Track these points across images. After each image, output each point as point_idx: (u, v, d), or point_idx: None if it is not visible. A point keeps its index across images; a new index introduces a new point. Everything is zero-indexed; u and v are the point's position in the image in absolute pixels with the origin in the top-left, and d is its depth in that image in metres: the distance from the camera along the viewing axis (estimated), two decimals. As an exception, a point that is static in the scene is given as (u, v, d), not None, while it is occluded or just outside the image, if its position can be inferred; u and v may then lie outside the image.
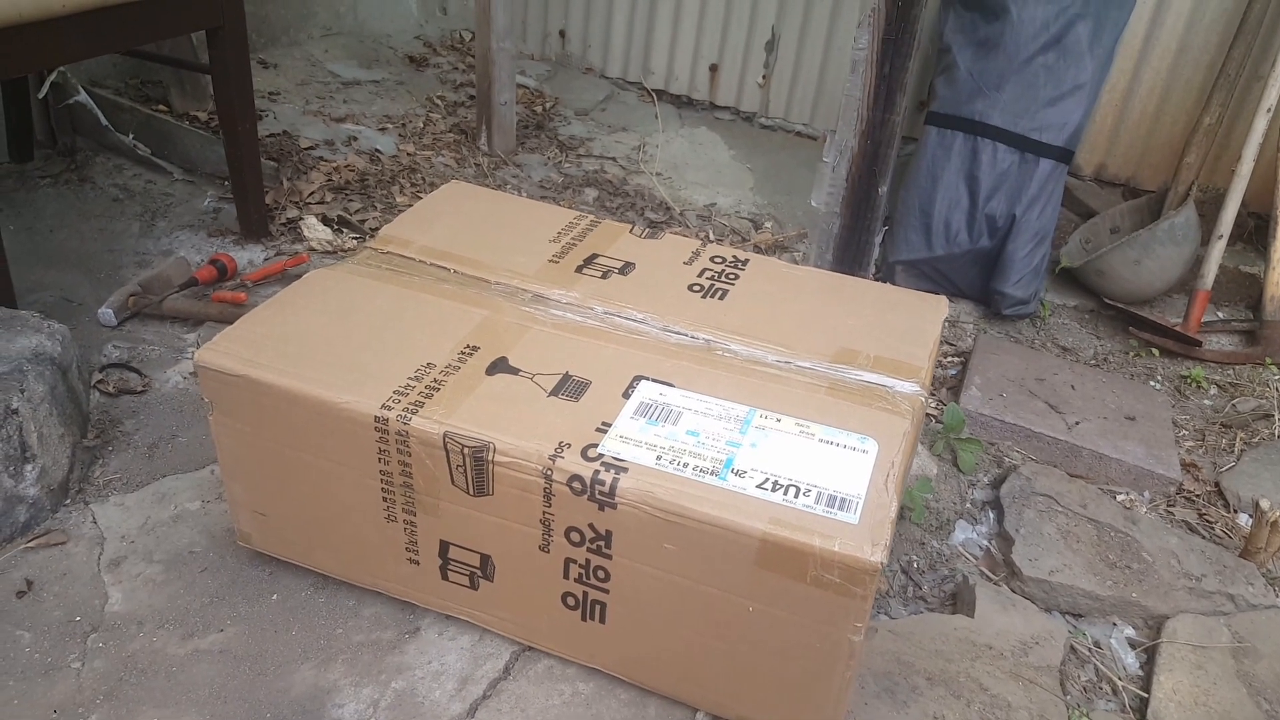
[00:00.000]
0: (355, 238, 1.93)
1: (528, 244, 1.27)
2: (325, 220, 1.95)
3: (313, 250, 1.88)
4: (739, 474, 0.93)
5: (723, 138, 2.84)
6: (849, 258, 1.37)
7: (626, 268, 1.24)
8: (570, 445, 0.95)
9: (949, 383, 1.85)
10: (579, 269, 1.23)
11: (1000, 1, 2.04)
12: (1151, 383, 1.98)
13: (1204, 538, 1.49)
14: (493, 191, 1.50)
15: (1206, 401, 1.93)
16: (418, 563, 1.08)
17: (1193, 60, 2.25)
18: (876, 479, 0.93)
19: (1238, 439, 1.77)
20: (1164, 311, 2.21)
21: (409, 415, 0.97)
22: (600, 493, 0.92)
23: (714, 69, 2.91)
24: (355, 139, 2.35)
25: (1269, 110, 2.00)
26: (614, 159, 2.67)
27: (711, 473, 0.93)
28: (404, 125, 2.50)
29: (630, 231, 1.33)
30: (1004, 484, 1.49)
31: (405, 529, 1.05)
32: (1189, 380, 1.97)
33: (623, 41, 3.03)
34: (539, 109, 2.89)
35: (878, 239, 1.35)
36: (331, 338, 1.07)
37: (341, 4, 2.96)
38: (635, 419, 0.99)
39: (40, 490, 1.24)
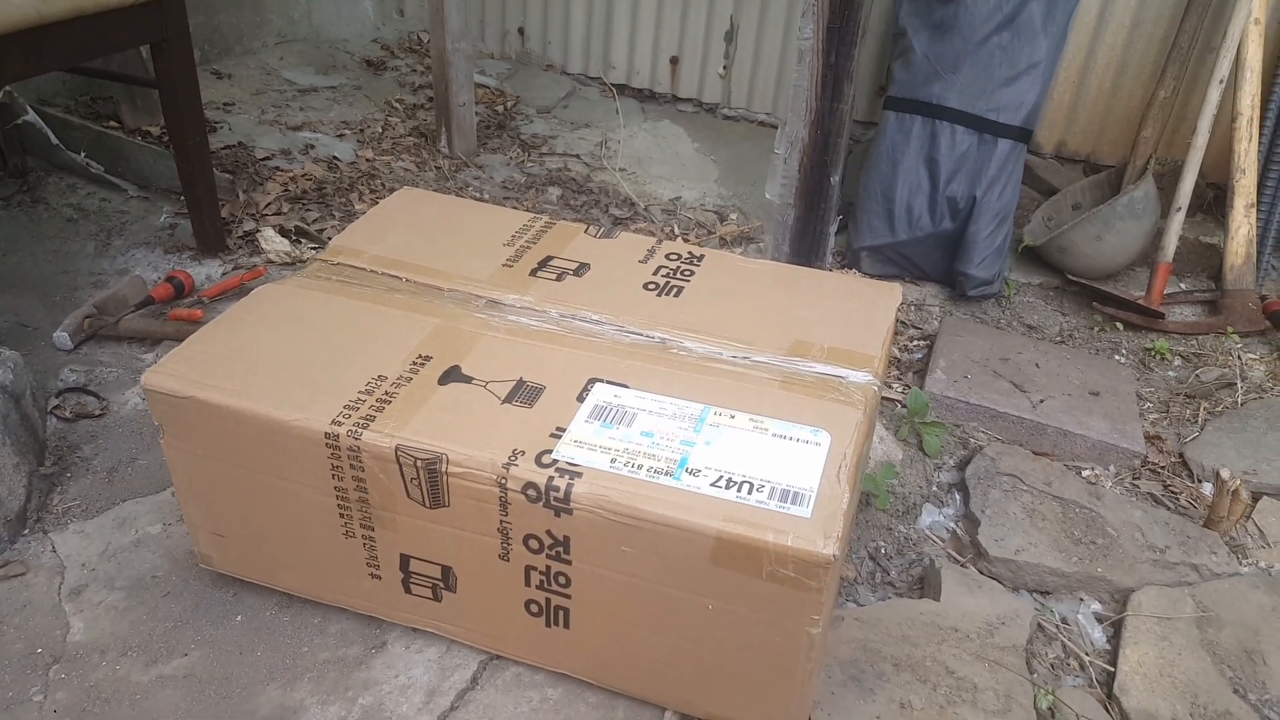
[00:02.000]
0: (314, 248, 1.91)
1: (481, 248, 1.26)
2: (283, 231, 1.93)
3: (270, 263, 1.87)
4: (693, 473, 0.93)
5: (686, 130, 2.84)
6: (805, 248, 1.37)
7: (582, 269, 1.23)
8: (524, 452, 0.94)
9: (915, 366, 1.86)
10: (533, 272, 1.22)
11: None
12: (1116, 357, 2.00)
13: (1169, 509, 1.50)
14: (446, 197, 1.49)
15: (1171, 373, 1.94)
16: (379, 577, 1.07)
17: (1146, 34, 2.26)
18: (829, 471, 0.93)
19: (1201, 409, 1.79)
20: (1127, 285, 2.23)
21: (360, 430, 0.96)
22: (555, 499, 0.92)
23: (674, 61, 2.90)
24: (313, 147, 2.33)
25: (1221, 81, 2.02)
26: (577, 156, 2.65)
27: (666, 473, 0.93)
28: (362, 131, 2.48)
29: (585, 232, 1.32)
30: (969, 465, 1.50)
31: (364, 544, 1.05)
32: (1153, 352, 1.99)
33: (582, 37, 3.02)
34: (500, 108, 2.87)
35: (833, 228, 1.35)
36: (281, 354, 1.05)
37: (295, 10, 2.92)
38: (590, 422, 0.99)
39: (-4, 521, 1.22)
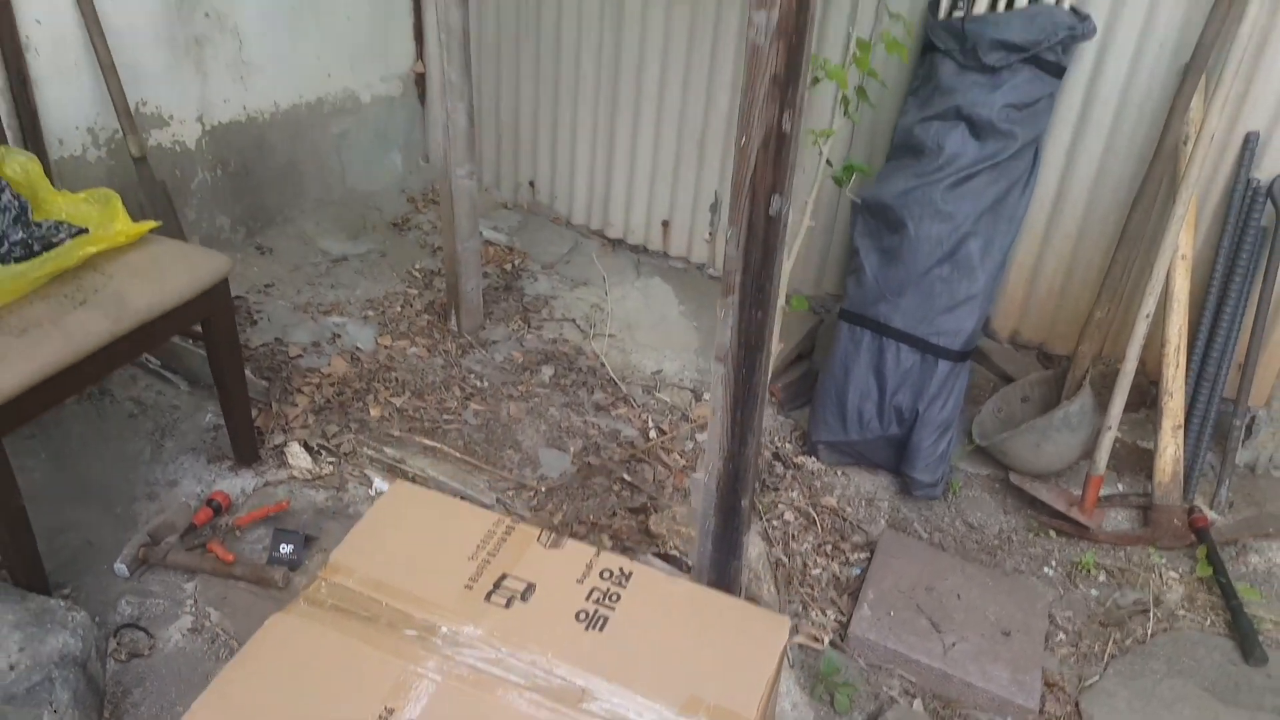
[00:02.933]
0: (331, 461, 2.22)
1: (450, 564, 1.54)
2: (306, 447, 2.24)
3: (294, 479, 2.18)
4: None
5: (675, 290, 3.09)
6: (723, 552, 1.63)
7: (528, 591, 1.50)
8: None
9: (851, 587, 2.09)
10: (488, 595, 1.50)
11: (899, 217, 2.26)
12: (1046, 568, 2.21)
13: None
14: (430, 495, 1.78)
15: (1094, 591, 2.15)
16: None
17: (1090, 245, 2.45)
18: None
19: (1111, 641, 1.99)
20: (1070, 482, 2.42)
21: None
22: None
23: (665, 225, 3.15)
24: (339, 336, 2.64)
25: (1147, 316, 2.20)
26: (573, 320, 2.93)
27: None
28: (384, 311, 2.79)
29: (538, 539, 1.59)
30: None
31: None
32: (1080, 567, 2.19)
33: (585, 194, 3.28)
34: (509, 266, 3.16)
35: (745, 538, 1.61)
36: (282, 708, 1.34)
37: (331, 176, 3.24)
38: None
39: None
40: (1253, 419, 2.41)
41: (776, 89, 1.24)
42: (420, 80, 3.44)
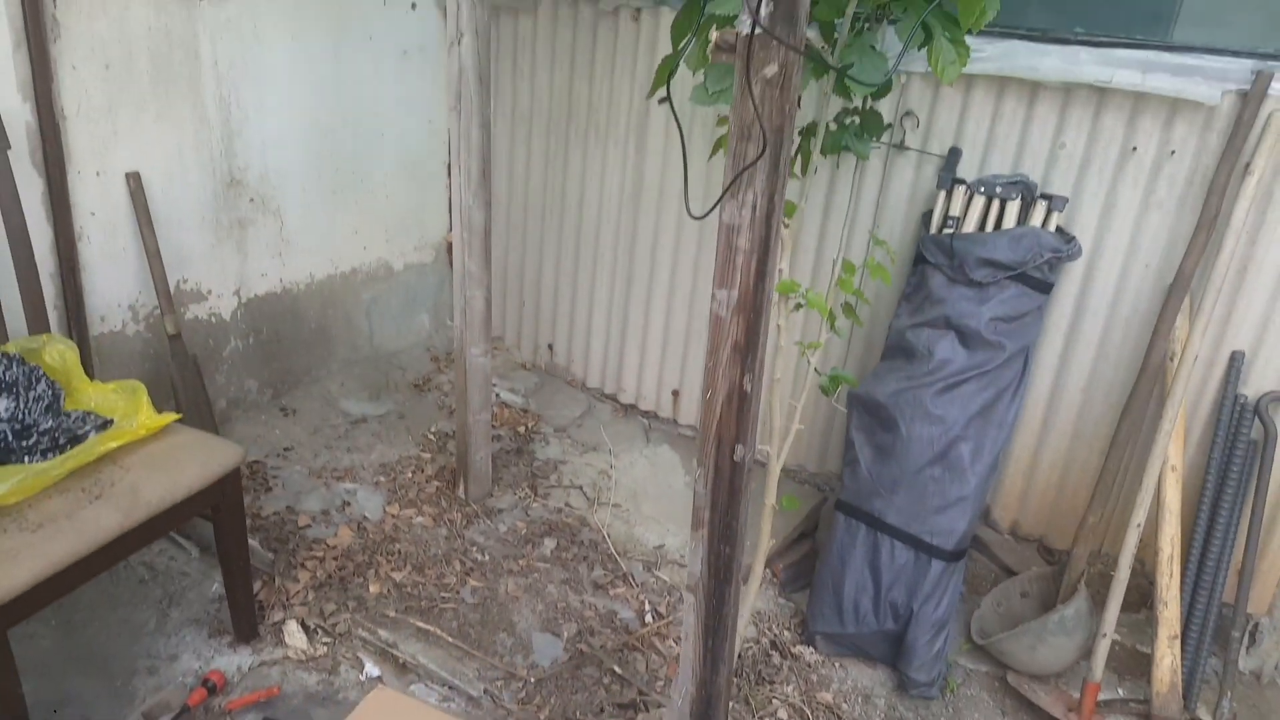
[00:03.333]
0: (326, 643, 2.27)
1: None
2: (304, 626, 2.29)
3: (289, 659, 2.22)
4: None
5: (682, 458, 3.15)
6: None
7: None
8: None
9: (837, 799, 2.05)
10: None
11: (892, 416, 2.32)
12: (1039, 782, 2.15)
13: None
14: (407, 702, 1.82)
15: (1087, 810, 2.08)
16: None
17: (1085, 445, 2.47)
18: None
19: None
20: (1072, 681, 2.37)
21: None
22: None
23: (676, 394, 3.24)
24: (348, 504, 2.73)
25: (1138, 526, 2.21)
26: (580, 487, 2.99)
27: None
28: (395, 478, 2.88)
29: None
30: None
31: None
32: (1074, 782, 2.13)
33: (600, 360, 3.40)
34: (522, 429, 3.25)
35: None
36: None
37: (359, 337, 3.40)
38: None
39: None
40: (1255, 626, 2.36)
41: (737, 355, 1.33)
42: (452, 248, 3.64)
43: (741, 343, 1.32)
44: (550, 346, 3.55)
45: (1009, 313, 2.23)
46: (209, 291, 2.77)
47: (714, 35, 1.18)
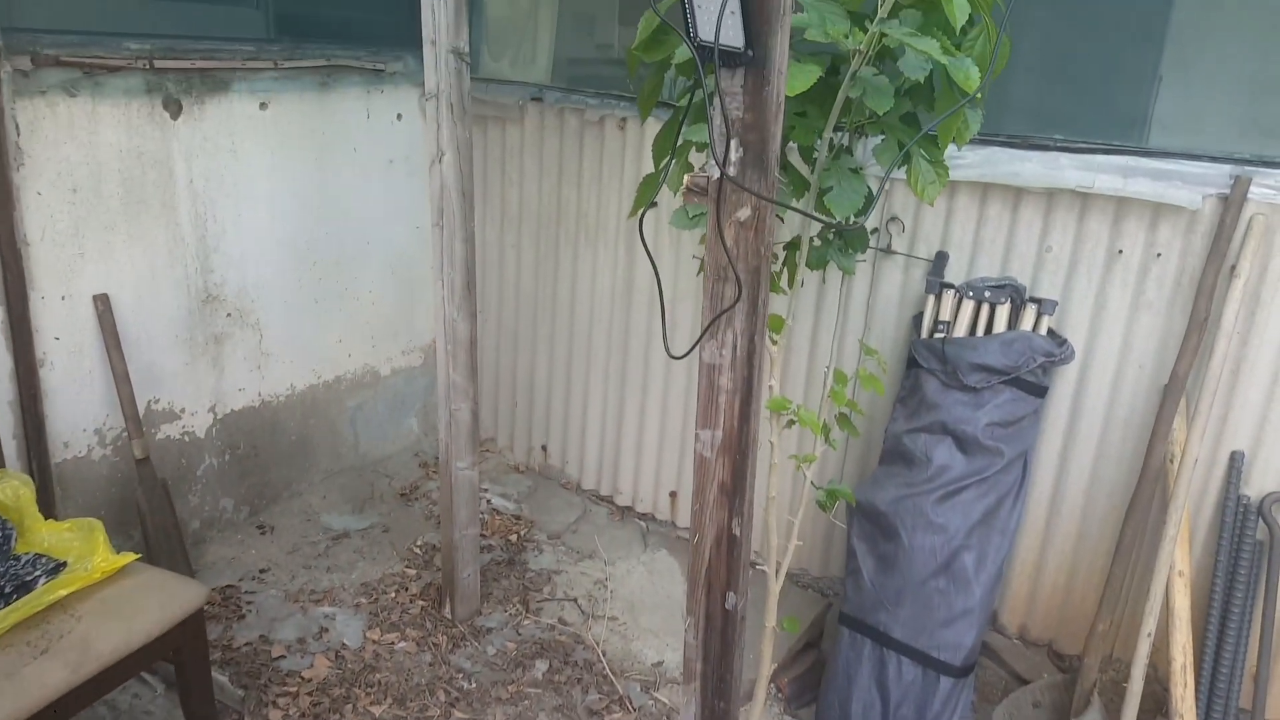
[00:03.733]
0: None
1: None
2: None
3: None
4: None
5: (680, 564, 3.04)
6: None
7: None
8: None
9: None
10: None
11: (893, 525, 2.24)
12: None
13: None
14: None
15: None
16: None
17: (1091, 548, 2.39)
18: None
19: None
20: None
21: None
22: None
23: (673, 495, 3.15)
24: (326, 630, 2.61)
25: (1149, 635, 2.11)
26: (575, 600, 2.87)
27: None
28: (376, 599, 2.76)
29: None
30: None
31: None
32: None
33: (595, 460, 3.32)
34: (514, 537, 3.15)
35: None
36: None
37: (343, 445, 3.32)
38: None
39: None
40: (1283, 738, 2.24)
41: (725, 497, 1.26)
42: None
43: (728, 484, 1.26)
44: (544, 448, 3.48)
45: (1005, 417, 2.17)
46: (182, 410, 2.70)
47: (686, 179, 1.15)
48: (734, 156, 1.08)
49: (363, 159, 3.06)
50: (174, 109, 2.49)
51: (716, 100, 1.07)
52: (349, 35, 2.98)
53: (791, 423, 1.82)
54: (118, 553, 1.88)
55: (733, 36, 1.00)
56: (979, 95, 1.47)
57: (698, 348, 1.21)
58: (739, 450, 1.23)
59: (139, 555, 1.92)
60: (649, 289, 2.97)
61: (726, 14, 0.96)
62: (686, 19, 1.02)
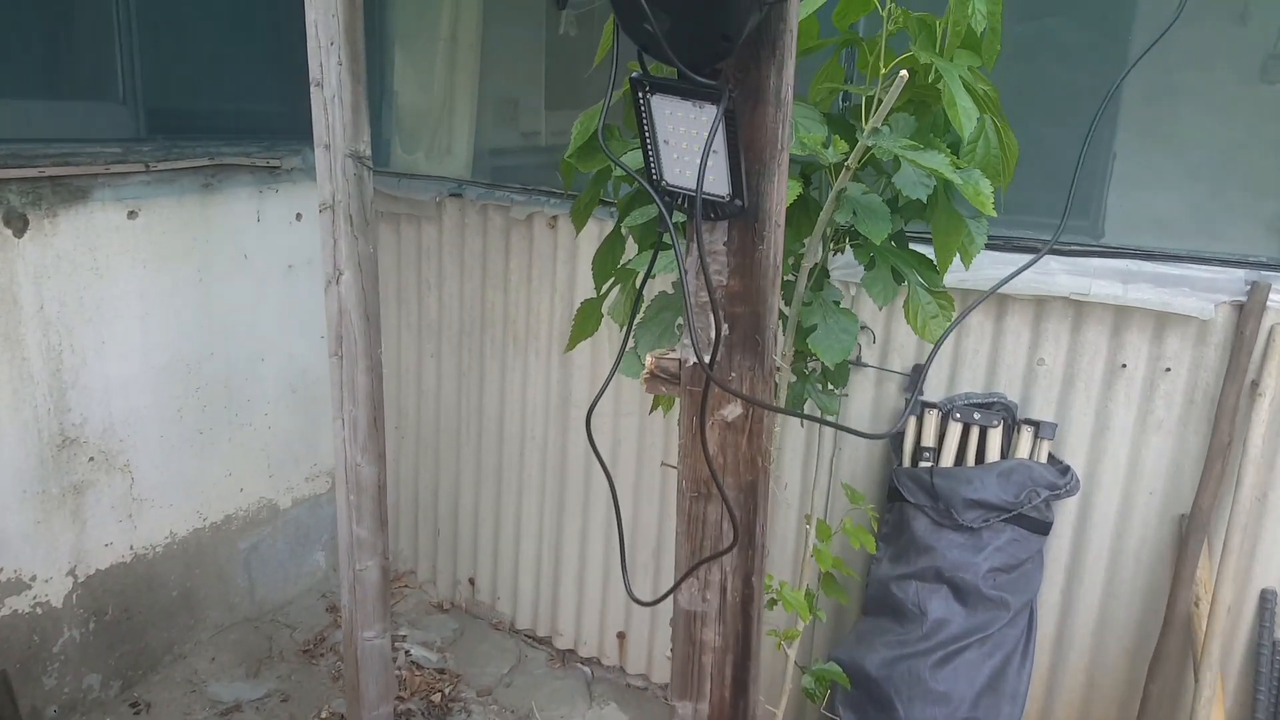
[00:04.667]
0: None
1: None
2: None
3: None
4: None
5: (632, 719, 2.65)
6: None
7: None
8: None
9: None
10: None
11: (886, 696, 1.92)
12: None
13: None
14: None
15: None
16: None
17: (1104, 696, 2.10)
18: None
19: None
20: None
21: None
22: None
23: (621, 637, 2.78)
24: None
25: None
26: (511, 775, 2.45)
27: None
28: (274, 793, 2.31)
29: None
30: None
31: None
32: None
33: (530, 596, 2.93)
34: (437, 697, 2.72)
35: None
36: None
37: (236, 595, 2.86)
38: None
39: None
40: None
41: None
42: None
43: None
44: (471, 581, 3.07)
45: (1008, 561, 1.88)
46: (32, 578, 2.24)
47: (650, 361, 0.83)
48: (722, 333, 0.76)
49: (256, 267, 2.68)
50: (18, 225, 2.10)
51: (690, 261, 0.76)
52: (237, 129, 2.64)
53: (773, 603, 1.49)
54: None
55: (714, 182, 0.70)
56: (994, 211, 1.20)
57: (673, 594, 0.87)
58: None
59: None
60: (587, 403, 2.63)
61: (710, 152, 0.65)
62: (647, 156, 0.70)
